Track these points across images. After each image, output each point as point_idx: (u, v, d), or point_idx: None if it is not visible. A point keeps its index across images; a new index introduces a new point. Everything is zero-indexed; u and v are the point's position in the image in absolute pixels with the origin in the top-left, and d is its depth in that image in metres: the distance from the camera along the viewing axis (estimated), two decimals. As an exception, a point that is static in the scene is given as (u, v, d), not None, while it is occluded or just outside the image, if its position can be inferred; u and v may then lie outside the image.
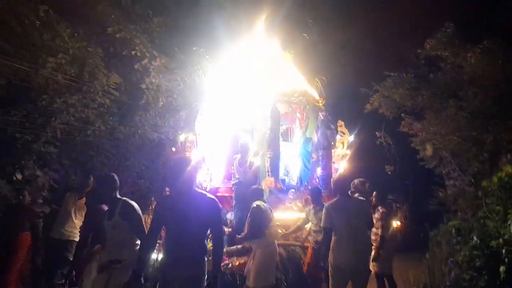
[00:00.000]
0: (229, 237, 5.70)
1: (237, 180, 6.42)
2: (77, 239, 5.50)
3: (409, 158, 8.90)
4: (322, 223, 4.36)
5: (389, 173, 8.66)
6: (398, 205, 11.97)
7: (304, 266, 5.80)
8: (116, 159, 9.84)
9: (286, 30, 8.07)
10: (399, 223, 11.38)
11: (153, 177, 9.64)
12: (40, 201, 7.44)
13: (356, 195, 5.50)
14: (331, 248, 4.30)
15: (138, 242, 3.67)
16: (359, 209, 4.44)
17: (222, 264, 4.91)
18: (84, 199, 5.68)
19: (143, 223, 3.75)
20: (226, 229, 5.73)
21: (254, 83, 6.92)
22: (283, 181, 7.23)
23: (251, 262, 4.67)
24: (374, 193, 5.71)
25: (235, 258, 5.19)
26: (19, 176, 7.46)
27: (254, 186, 5.80)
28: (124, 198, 3.82)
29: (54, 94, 7.98)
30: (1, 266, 5.06)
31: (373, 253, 5.37)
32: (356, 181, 5.57)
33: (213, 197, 3.38)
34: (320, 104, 7.56)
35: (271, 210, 5.03)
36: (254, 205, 4.82)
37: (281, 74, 7.35)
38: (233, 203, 6.08)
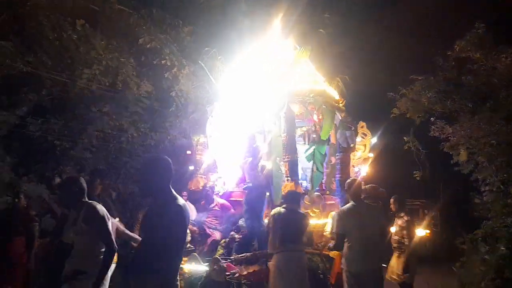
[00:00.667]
0: (238, 244, 5.63)
1: (248, 185, 6.37)
2: None
3: (440, 163, 8.61)
4: (334, 228, 4.36)
5: (418, 178, 8.40)
6: (426, 211, 11.52)
7: (332, 276, 5.59)
8: (149, 164, 10.25)
9: (303, 27, 7.76)
10: (427, 231, 10.94)
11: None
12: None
13: (368, 201, 5.43)
14: (344, 254, 4.33)
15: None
16: (372, 215, 4.43)
17: (228, 272, 4.78)
18: None
19: (109, 228, 3.44)
20: (236, 236, 5.71)
21: (268, 83, 6.73)
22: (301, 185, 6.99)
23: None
24: (392, 199, 5.59)
25: (242, 267, 5.04)
26: (58, 181, 7.94)
27: (291, 190, 5.75)
28: (90, 201, 3.58)
29: (90, 103, 8.46)
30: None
31: (393, 260, 5.30)
32: (368, 187, 5.45)
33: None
34: (340, 105, 7.29)
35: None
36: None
37: (296, 73, 7.03)
38: (244, 209, 5.92)
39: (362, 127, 7.74)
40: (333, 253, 5.50)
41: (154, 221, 2.80)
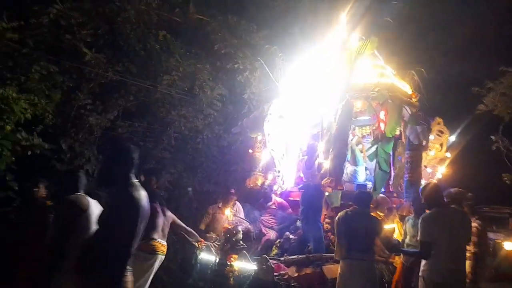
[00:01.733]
0: (293, 245, 5.55)
1: (304, 184, 6.21)
2: None
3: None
4: (420, 236, 3.97)
5: (508, 182, 7.42)
6: None
7: (392, 285, 5.35)
8: (224, 164, 10.73)
9: (370, 18, 7.24)
10: None
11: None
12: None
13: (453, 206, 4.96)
14: (425, 262, 4.01)
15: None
16: (460, 221, 4.07)
17: (277, 273, 4.72)
18: None
19: (69, 223, 3.28)
20: (291, 236, 5.64)
21: (328, 79, 6.44)
22: (364, 185, 6.65)
23: None
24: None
25: (294, 268, 4.92)
26: (142, 178, 8.75)
27: (362, 190, 5.62)
28: (71, 195, 3.55)
29: (170, 107, 9.16)
30: (11, 262, 4.80)
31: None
32: (453, 190, 4.97)
33: None
34: (414, 100, 6.75)
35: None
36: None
37: (360, 66, 6.61)
38: (300, 209, 5.83)
39: (438, 123, 7.12)
40: (395, 261, 5.20)
41: (104, 213, 2.75)
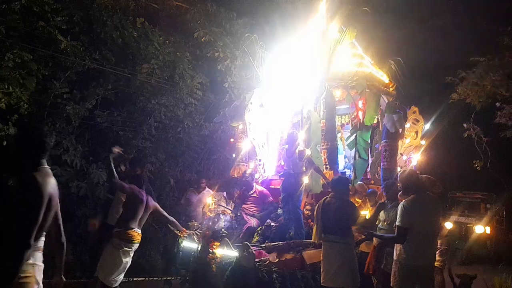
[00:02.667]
0: (274, 232, 5.53)
1: (285, 172, 6.04)
2: None
3: (505, 152, 7.82)
4: (398, 222, 4.06)
5: (478, 168, 7.72)
6: (488, 205, 10.17)
7: (365, 266, 5.54)
8: (205, 153, 10.75)
9: (349, 8, 7.26)
10: (488, 228, 9.74)
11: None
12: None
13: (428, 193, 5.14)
14: (401, 247, 4.14)
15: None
16: (435, 207, 4.23)
17: (257, 259, 4.67)
18: None
19: (31, 208, 2.42)
20: (272, 224, 5.66)
21: (308, 67, 6.43)
22: (344, 174, 6.76)
23: None
24: None
25: (275, 254, 4.90)
26: (122, 168, 8.68)
27: (340, 176, 5.49)
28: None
29: (149, 96, 9.06)
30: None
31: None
32: (424, 177, 5.11)
33: None
34: (391, 89, 6.84)
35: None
36: None
37: (339, 56, 6.61)
38: (281, 197, 5.79)
39: (414, 112, 7.26)
40: (364, 248, 5.40)
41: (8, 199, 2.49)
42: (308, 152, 5.83)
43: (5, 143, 6.72)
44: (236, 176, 7.05)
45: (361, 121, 6.36)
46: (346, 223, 4.55)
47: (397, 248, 4.24)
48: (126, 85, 8.84)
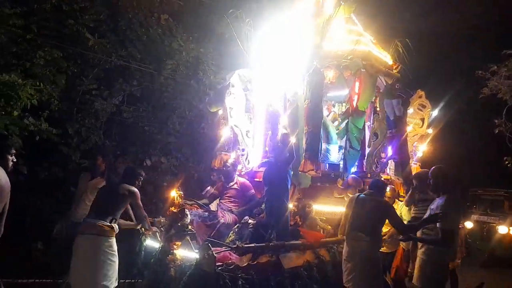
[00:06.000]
0: (252, 230, 4.73)
1: (267, 159, 5.46)
2: None
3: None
4: (446, 224, 3.74)
5: (510, 165, 7.36)
6: None
7: (392, 270, 5.24)
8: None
9: None
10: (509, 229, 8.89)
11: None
12: (165, 184, 8.74)
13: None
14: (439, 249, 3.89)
15: None
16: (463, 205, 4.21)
17: (221, 263, 4.01)
18: (97, 180, 5.47)
19: None
20: (250, 221, 4.87)
21: (294, 45, 5.64)
22: (337, 165, 5.92)
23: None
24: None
25: (247, 257, 4.28)
26: (148, 162, 8.85)
27: (377, 178, 5.26)
28: None
29: (174, 91, 9.18)
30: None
31: None
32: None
33: None
34: (395, 71, 6.03)
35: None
36: None
37: (334, 32, 5.79)
38: (265, 190, 5.05)
39: (420, 97, 6.52)
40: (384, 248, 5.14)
41: None
42: (293, 139, 5.09)
43: (37, 137, 6.99)
44: (217, 167, 6.28)
45: (354, 106, 5.59)
46: (378, 223, 4.41)
47: (427, 248, 3.98)
48: (151, 81, 8.99)
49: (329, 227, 5.30)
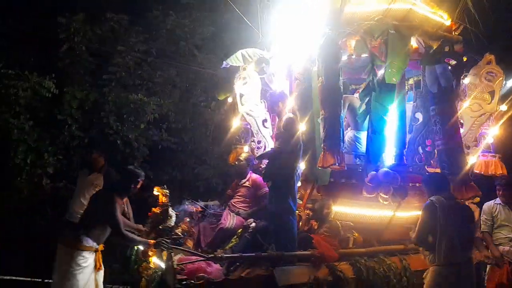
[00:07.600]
0: (249, 235, 4.10)
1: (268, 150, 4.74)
2: None
3: None
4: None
5: None
6: None
7: None
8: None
9: None
10: None
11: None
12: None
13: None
14: None
15: None
16: None
17: (186, 276, 3.44)
18: (94, 176, 5.34)
19: None
20: (252, 225, 4.25)
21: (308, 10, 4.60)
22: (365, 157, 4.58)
23: None
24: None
25: (222, 269, 3.62)
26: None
27: (434, 173, 4.29)
28: None
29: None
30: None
31: None
32: None
33: None
34: (455, 33, 4.62)
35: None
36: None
37: None
38: (268, 186, 4.32)
39: (488, 62, 4.75)
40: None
41: None
42: (302, 126, 4.24)
43: (160, 146, 8.09)
44: (232, 162, 5.44)
45: (378, 77, 4.21)
46: (473, 235, 3.72)
47: None
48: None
49: (356, 234, 4.24)
